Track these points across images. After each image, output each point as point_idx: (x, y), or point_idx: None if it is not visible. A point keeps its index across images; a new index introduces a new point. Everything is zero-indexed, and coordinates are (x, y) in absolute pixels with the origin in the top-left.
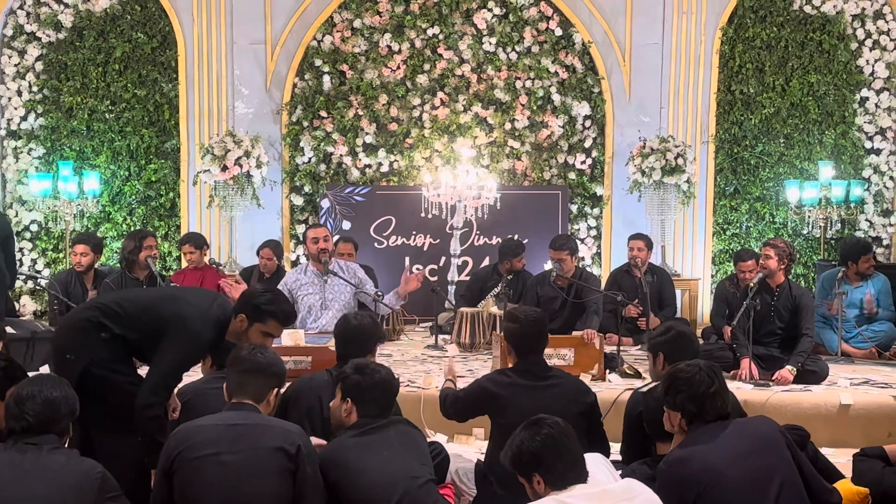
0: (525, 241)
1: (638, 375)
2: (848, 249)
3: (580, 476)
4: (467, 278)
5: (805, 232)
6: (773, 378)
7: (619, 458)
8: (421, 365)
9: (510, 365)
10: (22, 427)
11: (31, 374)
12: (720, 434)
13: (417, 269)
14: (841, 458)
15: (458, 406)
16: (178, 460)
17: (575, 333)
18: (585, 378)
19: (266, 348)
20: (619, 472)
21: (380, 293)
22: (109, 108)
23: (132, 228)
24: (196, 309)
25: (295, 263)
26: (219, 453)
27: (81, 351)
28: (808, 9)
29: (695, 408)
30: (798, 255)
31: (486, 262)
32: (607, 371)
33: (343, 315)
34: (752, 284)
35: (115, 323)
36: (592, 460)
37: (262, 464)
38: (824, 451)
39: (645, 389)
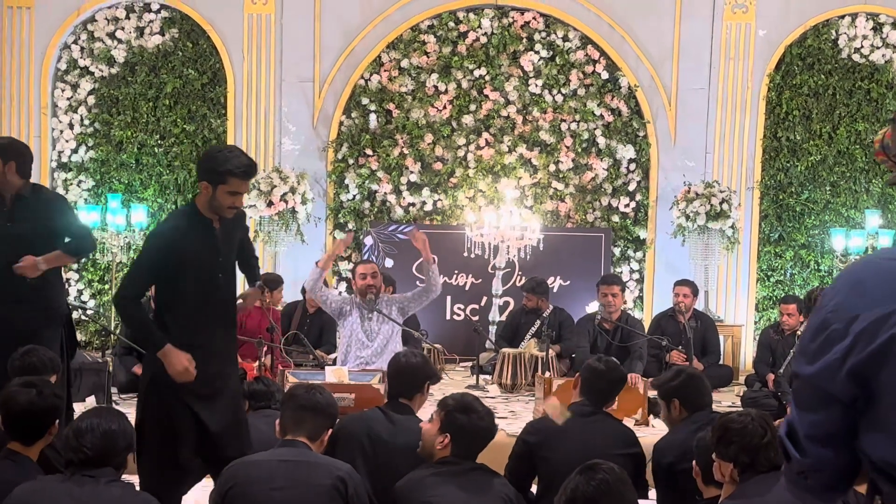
0: (567, 284)
1: None
2: None
3: None
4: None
5: None
6: None
7: None
8: None
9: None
10: (80, 459)
11: (77, 405)
12: (772, 486)
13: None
14: None
15: (510, 471)
16: (229, 494)
17: None
18: (629, 422)
19: (323, 389)
20: None
21: (424, 331)
22: (158, 142)
23: None
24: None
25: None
26: (271, 489)
27: None
28: (856, 57)
29: (748, 458)
30: None
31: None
32: (651, 416)
33: (395, 354)
34: (799, 332)
35: None
36: None
37: (317, 498)
38: None
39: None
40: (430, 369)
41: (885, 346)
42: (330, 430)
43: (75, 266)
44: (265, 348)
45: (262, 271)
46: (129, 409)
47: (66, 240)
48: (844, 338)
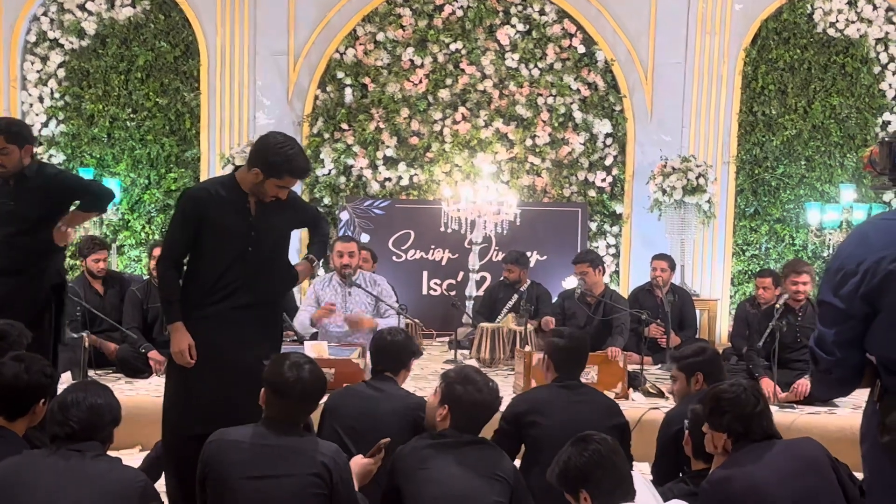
0: (544, 258)
1: (661, 394)
2: None
3: (627, 494)
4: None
5: (825, 255)
6: (792, 396)
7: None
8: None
9: (545, 382)
10: (66, 433)
11: None
12: (765, 454)
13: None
14: None
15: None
16: (209, 477)
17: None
18: (609, 395)
19: (307, 366)
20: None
21: (404, 306)
22: (131, 116)
23: (151, 237)
24: None
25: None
26: (248, 477)
27: None
28: (831, 32)
29: (742, 428)
30: (817, 278)
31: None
32: (630, 389)
33: (379, 331)
34: (777, 306)
35: None
36: (635, 480)
37: (296, 489)
38: None
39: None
40: (412, 345)
41: (885, 278)
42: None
43: None
44: None
45: None
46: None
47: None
48: (856, 275)
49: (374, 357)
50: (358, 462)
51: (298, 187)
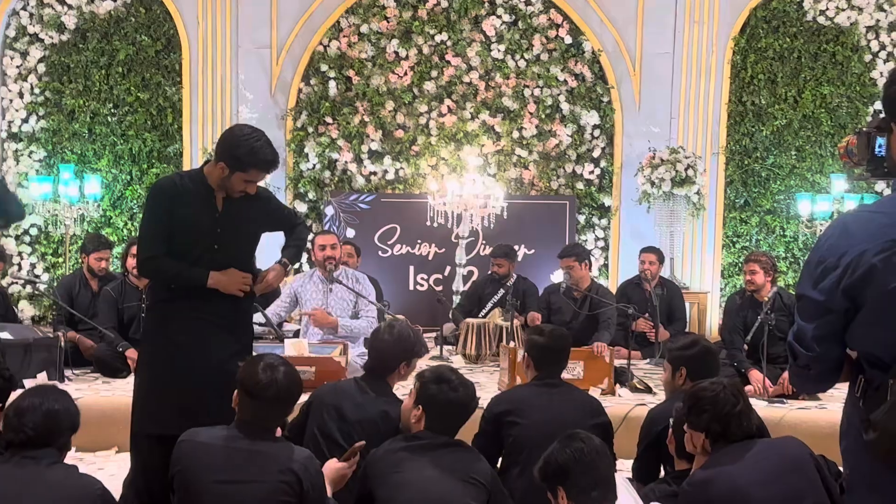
0: (531, 252)
1: (648, 390)
2: None
3: (607, 496)
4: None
5: None
6: (781, 389)
7: (629, 475)
8: None
9: (527, 380)
10: (21, 440)
11: (27, 381)
12: (745, 454)
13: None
14: None
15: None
16: (177, 477)
17: (584, 348)
18: (595, 392)
19: (282, 368)
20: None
21: (387, 302)
22: (112, 111)
23: (134, 234)
24: None
25: (297, 270)
26: (216, 482)
27: None
28: (821, 20)
29: (720, 427)
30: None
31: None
32: (617, 385)
33: (380, 326)
34: (766, 299)
35: None
36: (618, 484)
37: (264, 495)
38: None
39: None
40: (410, 346)
41: (867, 272)
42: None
43: (27, 240)
44: None
45: None
46: (82, 384)
47: None
48: (837, 268)
49: (370, 354)
50: (332, 466)
51: (282, 181)
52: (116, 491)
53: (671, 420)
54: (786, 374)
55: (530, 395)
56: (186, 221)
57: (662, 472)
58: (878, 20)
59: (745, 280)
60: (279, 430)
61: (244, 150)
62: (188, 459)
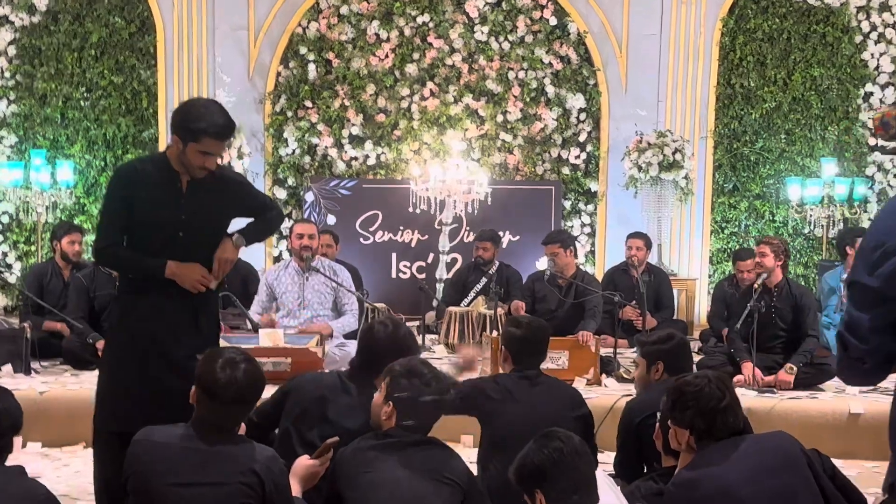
0: (516, 239)
1: None
2: (843, 235)
3: (588, 497)
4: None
5: (806, 231)
6: (773, 382)
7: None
8: None
9: (504, 371)
10: None
11: None
12: (733, 452)
13: None
14: (851, 470)
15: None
16: (134, 478)
17: (569, 337)
18: (581, 382)
19: (243, 365)
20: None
21: (366, 291)
22: (85, 95)
23: None
24: None
25: (277, 259)
26: (172, 485)
27: None
28: (811, 0)
29: (704, 424)
30: (799, 255)
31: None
32: (603, 375)
33: (371, 322)
34: (756, 286)
35: None
36: (600, 482)
37: (223, 498)
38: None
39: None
40: (405, 347)
41: None
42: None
43: None
44: None
45: None
46: (49, 377)
47: None
48: None
49: (360, 351)
50: (302, 463)
51: (261, 167)
52: (82, 487)
53: (658, 414)
54: (780, 376)
55: (510, 386)
56: (147, 207)
57: (646, 468)
58: (868, 0)
59: (754, 263)
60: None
61: (192, 117)
62: (144, 461)
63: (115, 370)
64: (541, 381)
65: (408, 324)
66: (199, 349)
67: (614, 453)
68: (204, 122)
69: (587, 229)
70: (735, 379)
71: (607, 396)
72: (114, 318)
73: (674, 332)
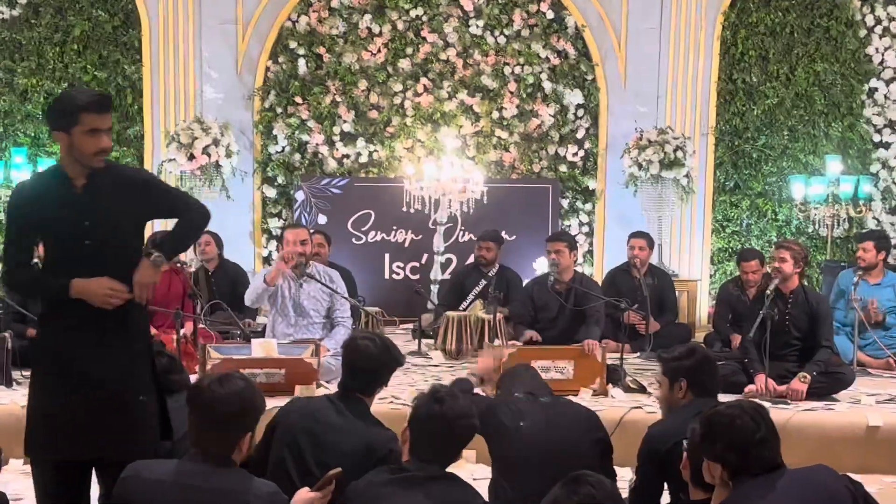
0: (513, 239)
1: (643, 390)
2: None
3: None
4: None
5: (810, 230)
6: (786, 392)
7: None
8: (404, 376)
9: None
10: None
11: None
12: (770, 493)
13: None
14: (870, 486)
15: None
16: None
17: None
18: (586, 393)
19: (232, 377)
20: None
21: (361, 298)
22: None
23: None
24: None
25: (267, 260)
26: None
27: None
28: None
29: (737, 459)
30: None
31: (471, 259)
32: (610, 385)
33: (351, 338)
34: (768, 292)
35: None
36: None
37: None
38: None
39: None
40: (390, 358)
41: None
42: (249, 435)
43: None
44: (182, 320)
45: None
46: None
47: None
48: None
49: (349, 371)
50: (303, 496)
51: (250, 165)
52: None
53: (685, 442)
54: (792, 384)
55: (524, 409)
56: (46, 220)
57: (668, 496)
58: None
59: (771, 268)
60: (244, 449)
61: (64, 102)
62: (137, 501)
63: (41, 396)
64: (556, 403)
65: (402, 326)
66: (126, 366)
67: (626, 468)
68: (77, 101)
69: (585, 228)
70: (747, 389)
71: (615, 409)
72: (38, 341)
73: (696, 345)
